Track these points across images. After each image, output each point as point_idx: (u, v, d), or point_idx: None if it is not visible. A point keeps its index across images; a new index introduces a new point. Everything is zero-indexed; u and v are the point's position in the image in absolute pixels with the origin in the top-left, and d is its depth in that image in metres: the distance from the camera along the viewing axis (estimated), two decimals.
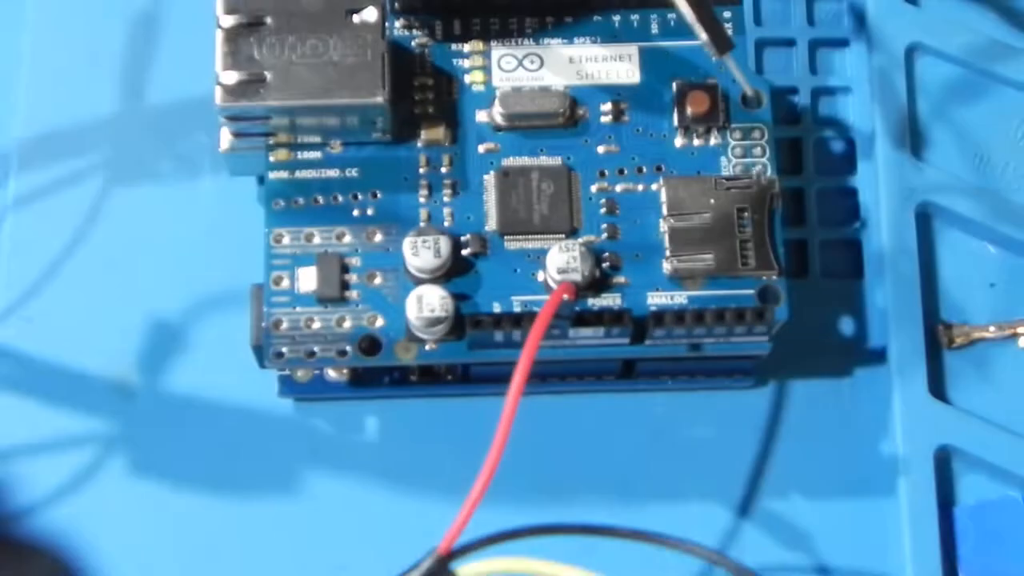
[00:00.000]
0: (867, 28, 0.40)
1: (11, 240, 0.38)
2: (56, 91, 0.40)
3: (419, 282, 0.35)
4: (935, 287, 0.39)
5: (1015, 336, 0.38)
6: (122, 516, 0.36)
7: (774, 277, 0.35)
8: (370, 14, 0.35)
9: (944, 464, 0.37)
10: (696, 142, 0.36)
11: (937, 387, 0.38)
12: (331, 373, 0.37)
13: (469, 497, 0.30)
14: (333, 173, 0.36)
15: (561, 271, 0.34)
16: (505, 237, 0.35)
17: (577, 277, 0.34)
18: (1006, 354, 0.38)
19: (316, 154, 0.36)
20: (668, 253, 0.35)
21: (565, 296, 0.33)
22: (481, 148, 0.36)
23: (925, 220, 0.39)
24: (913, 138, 0.39)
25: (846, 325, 0.38)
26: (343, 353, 0.35)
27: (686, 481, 0.37)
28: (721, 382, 0.37)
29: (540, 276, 0.35)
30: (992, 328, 0.38)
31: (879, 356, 0.38)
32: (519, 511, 0.35)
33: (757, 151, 0.36)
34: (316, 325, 0.35)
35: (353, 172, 0.36)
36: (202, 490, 0.37)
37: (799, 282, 0.39)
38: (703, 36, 0.34)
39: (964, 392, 0.38)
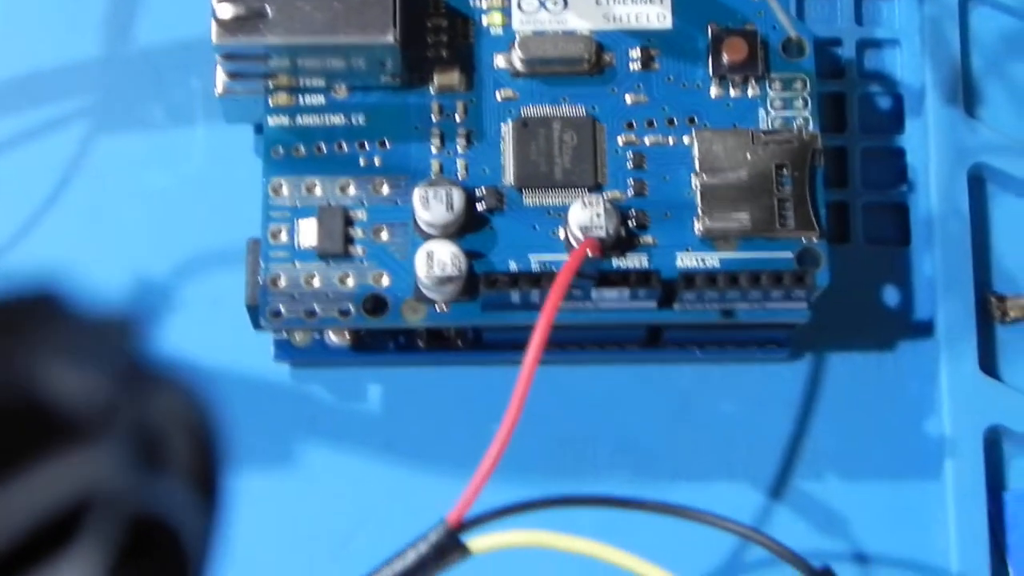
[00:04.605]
0: None
1: None
2: (36, 30, 0.39)
3: (429, 238, 0.35)
4: (988, 255, 0.38)
5: None
6: None
7: (815, 239, 0.35)
8: None
9: (994, 446, 0.37)
10: (732, 93, 0.36)
11: (988, 363, 0.37)
12: (332, 336, 0.37)
13: (482, 464, 0.30)
14: (338, 120, 0.36)
15: (584, 229, 0.34)
16: (523, 191, 0.35)
17: (602, 235, 0.34)
18: None
19: (319, 99, 0.36)
20: (700, 212, 0.35)
21: (589, 252, 0.33)
22: (499, 96, 0.36)
23: (978, 183, 0.39)
24: (966, 95, 0.39)
25: (890, 295, 0.38)
26: (346, 313, 0.34)
27: (714, 458, 0.37)
28: (754, 353, 0.37)
29: (561, 233, 0.35)
30: None
31: (926, 329, 0.38)
32: (535, 486, 0.35)
33: (798, 103, 0.36)
34: (317, 283, 0.35)
35: (359, 119, 0.36)
36: None
37: (840, 248, 0.38)
38: None
39: (1018, 369, 0.38)
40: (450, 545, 0.29)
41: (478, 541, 0.29)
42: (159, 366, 0.17)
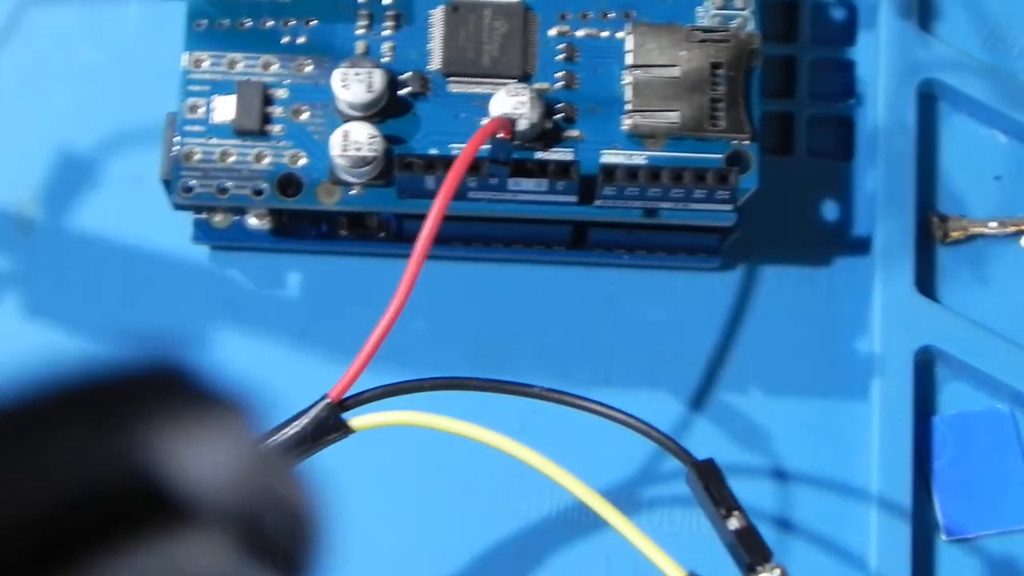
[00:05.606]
0: None
1: None
2: None
3: (349, 120, 0.34)
4: (933, 174, 0.38)
5: (1018, 234, 0.37)
6: (12, 360, 0.36)
7: (746, 142, 0.34)
8: None
9: (926, 368, 0.36)
10: None
11: (925, 283, 0.37)
12: (252, 220, 0.36)
13: (369, 340, 0.30)
14: None
15: (507, 117, 0.34)
16: (449, 78, 0.35)
17: (525, 125, 0.34)
18: (1006, 253, 0.37)
19: None
20: (629, 108, 0.34)
21: (498, 133, 0.32)
22: None
23: (928, 100, 0.38)
24: (921, 8, 0.38)
25: (829, 209, 0.38)
26: (259, 192, 0.34)
27: (637, 366, 0.36)
28: (683, 260, 0.37)
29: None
30: (993, 224, 0.37)
31: (863, 245, 0.37)
32: None
33: (738, 3, 0.35)
34: (232, 159, 0.34)
35: None
36: (101, 337, 0.36)
37: (782, 159, 0.38)
38: None
39: (955, 291, 0.37)
40: (330, 420, 0.29)
41: (359, 419, 0.29)
42: (277, 455, 0.17)
